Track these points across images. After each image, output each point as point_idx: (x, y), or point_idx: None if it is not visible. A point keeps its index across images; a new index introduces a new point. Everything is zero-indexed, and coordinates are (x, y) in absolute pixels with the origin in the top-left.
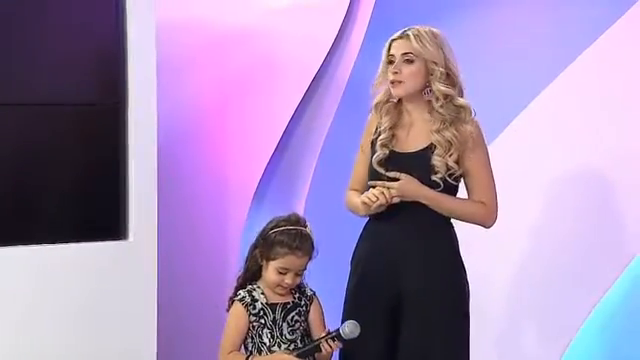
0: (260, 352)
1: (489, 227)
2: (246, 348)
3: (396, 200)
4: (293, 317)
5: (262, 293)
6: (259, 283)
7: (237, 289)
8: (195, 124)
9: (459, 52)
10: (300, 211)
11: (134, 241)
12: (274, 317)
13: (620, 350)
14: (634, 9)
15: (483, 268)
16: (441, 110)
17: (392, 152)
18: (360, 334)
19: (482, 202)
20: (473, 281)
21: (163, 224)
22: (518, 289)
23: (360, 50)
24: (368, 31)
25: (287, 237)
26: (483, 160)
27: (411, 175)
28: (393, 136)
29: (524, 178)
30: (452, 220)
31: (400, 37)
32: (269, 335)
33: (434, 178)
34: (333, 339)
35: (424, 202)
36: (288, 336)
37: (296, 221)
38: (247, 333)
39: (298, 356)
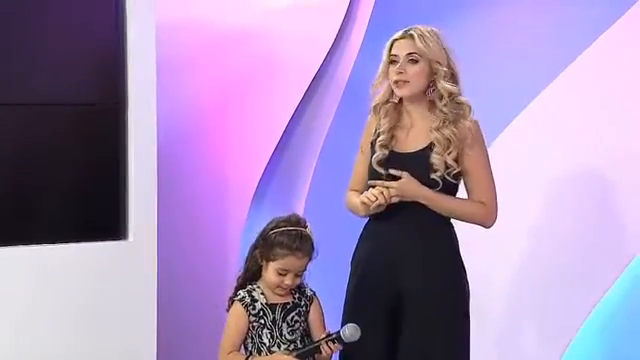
0: (260, 352)
1: (489, 227)
2: (246, 348)
3: (395, 200)
4: (293, 317)
5: (262, 293)
6: (259, 283)
7: (237, 289)
8: (195, 124)
9: (459, 52)
10: (300, 211)
11: (134, 241)
12: (274, 317)
13: (620, 350)
14: (634, 9)
15: (483, 268)
16: (444, 109)
17: (392, 152)
18: (360, 336)
19: (482, 202)
20: (473, 281)
21: (163, 224)
22: (518, 289)
23: (360, 50)
24: (368, 31)
25: (287, 238)
26: (482, 158)
27: (410, 175)
28: (392, 137)
29: (524, 178)
30: (452, 220)
31: (403, 37)
32: (269, 335)
33: (433, 176)
34: (333, 341)
35: (423, 202)
36: (288, 336)
37: (296, 222)
38: (247, 333)
39: (298, 357)
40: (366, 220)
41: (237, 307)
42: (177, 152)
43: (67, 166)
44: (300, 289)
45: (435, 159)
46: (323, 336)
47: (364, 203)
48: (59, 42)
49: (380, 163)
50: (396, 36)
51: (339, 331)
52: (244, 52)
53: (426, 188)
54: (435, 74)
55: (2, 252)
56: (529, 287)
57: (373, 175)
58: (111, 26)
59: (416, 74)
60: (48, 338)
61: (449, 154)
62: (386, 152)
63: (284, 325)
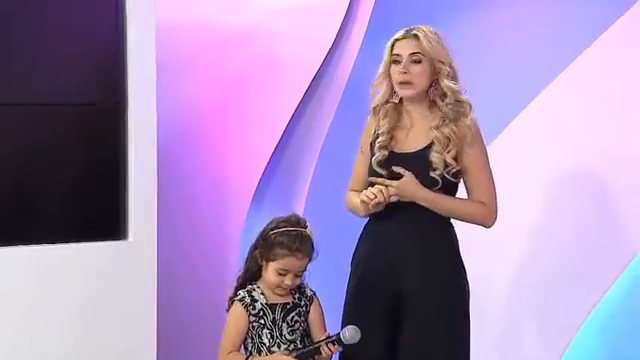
0: (260, 352)
1: (489, 227)
2: (246, 348)
3: (394, 199)
4: (293, 317)
5: (262, 293)
6: (259, 283)
7: (237, 289)
8: (195, 124)
9: (459, 52)
10: (300, 211)
11: (134, 241)
12: (274, 317)
13: (620, 350)
14: (634, 9)
15: (483, 268)
16: (446, 108)
17: (391, 152)
18: (360, 338)
19: (481, 202)
20: (473, 281)
21: (163, 224)
22: (518, 289)
23: (360, 50)
24: (368, 31)
25: (287, 238)
26: (481, 157)
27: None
28: (392, 138)
29: (524, 178)
30: (452, 220)
31: (405, 37)
32: (269, 335)
33: (432, 175)
34: (333, 343)
35: (422, 204)
36: (288, 336)
37: (296, 222)
38: (247, 333)
39: (297, 357)
40: (366, 220)
41: (237, 307)
42: (177, 152)
43: (67, 166)
44: (300, 289)
45: (434, 157)
46: (323, 337)
47: (363, 201)
48: (59, 42)
49: (380, 164)
50: (398, 36)
51: (339, 333)
52: (244, 52)
53: (426, 190)
54: (437, 73)
55: (2, 252)
56: (529, 287)
57: (373, 175)
58: (111, 26)
59: (419, 74)
60: (48, 338)
61: (448, 152)
62: (385, 153)
63: (284, 325)
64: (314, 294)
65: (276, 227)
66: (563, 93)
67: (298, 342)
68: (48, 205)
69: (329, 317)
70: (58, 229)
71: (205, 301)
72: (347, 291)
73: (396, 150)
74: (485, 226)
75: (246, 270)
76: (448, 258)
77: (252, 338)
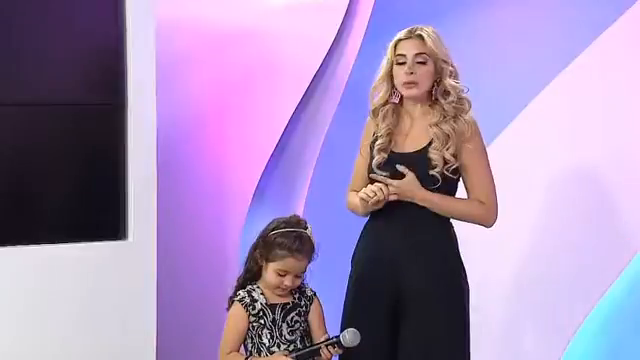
0: (260, 353)
1: (490, 226)
2: (246, 348)
3: (393, 197)
4: (293, 318)
5: (262, 293)
6: (259, 283)
7: (237, 289)
8: (195, 124)
9: (459, 52)
10: (300, 211)
11: (133, 241)
12: (274, 317)
13: (620, 350)
14: (634, 9)
15: (483, 268)
16: (448, 106)
17: (392, 153)
18: (360, 341)
19: (481, 201)
20: (473, 281)
21: (162, 224)
22: (518, 289)
23: (359, 50)
24: (367, 31)
25: (287, 239)
26: (481, 155)
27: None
28: (390, 141)
29: (524, 178)
30: (452, 220)
31: (409, 37)
32: (268, 335)
33: (432, 172)
34: (333, 345)
35: (421, 204)
36: (287, 337)
37: (296, 223)
38: (247, 333)
39: (297, 358)
40: (366, 220)
41: (237, 307)
42: (177, 152)
43: (67, 166)
44: (300, 289)
45: (433, 154)
46: (323, 339)
47: (362, 199)
48: (59, 42)
49: (379, 167)
50: (401, 36)
51: (339, 335)
52: (244, 52)
53: (425, 191)
54: (440, 73)
55: (2, 252)
56: (529, 287)
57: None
58: (111, 26)
59: (425, 75)
60: (48, 338)
61: (447, 149)
62: (385, 156)
63: (284, 325)
64: (314, 294)
65: (276, 228)
66: (563, 93)
67: (298, 342)
68: (48, 205)
69: (329, 317)
70: (58, 229)
71: (205, 301)
72: (347, 290)
73: (396, 150)
74: (486, 226)
75: (246, 270)
76: (448, 258)
77: (252, 338)
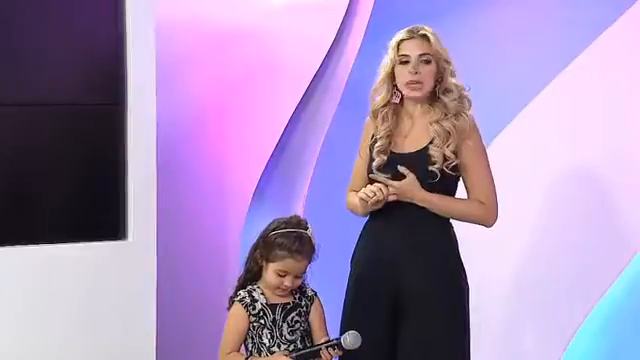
0: (260, 353)
1: (490, 226)
2: (246, 348)
3: (392, 198)
4: (293, 318)
5: (262, 294)
6: (259, 283)
7: (237, 289)
8: (195, 124)
9: (459, 52)
10: (299, 211)
11: (133, 241)
12: (274, 318)
13: (620, 350)
14: (634, 9)
15: (483, 268)
16: (451, 103)
17: (392, 153)
18: (361, 341)
19: (481, 201)
20: (473, 281)
21: (162, 224)
22: (518, 289)
23: (359, 50)
24: (367, 31)
25: (287, 240)
26: (480, 153)
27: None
28: (390, 143)
29: (524, 178)
30: (452, 220)
31: (412, 37)
32: (269, 335)
33: (431, 168)
34: (334, 347)
35: (420, 205)
36: (288, 337)
37: (297, 223)
38: (247, 333)
39: (297, 358)
40: (366, 220)
41: (237, 307)
42: (176, 152)
43: (67, 166)
44: (301, 289)
45: (434, 151)
46: (323, 341)
47: (362, 199)
48: (59, 42)
49: (379, 169)
50: (404, 36)
51: (340, 338)
52: (244, 52)
53: (425, 192)
54: (442, 72)
55: (2, 252)
56: (529, 287)
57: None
58: (111, 26)
59: (428, 74)
60: (48, 338)
61: (448, 146)
62: (384, 158)
63: (284, 325)
64: (315, 294)
65: (276, 228)
66: (563, 93)
67: (298, 342)
68: (48, 205)
69: (329, 317)
70: (58, 229)
71: (205, 301)
72: (346, 290)
73: (396, 151)
74: (486, 225)
75: (247, 270)
76: (448, 258)
77: (252, 338)
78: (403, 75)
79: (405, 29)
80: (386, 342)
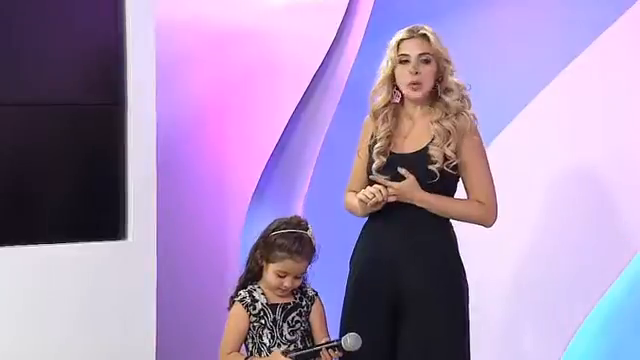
0: (260, 352)
1: (489, 226)
2: (247, 348)
3: (392, 199)
4: (294, 318)
5: (262, 294)
6: (260, 283)
7: (238, 289)
8: (195, 124)
9: (459, 52)
10: (299, 210)
11: (133, 241)
12: (274, 318)
13: (620, 350)
14: (634, 9)
15: (483, 268)
16: (453, 103)
17: (391, 154)
18: (361, 343)
19: (481, 202)
20: (473, 281)
21: (162, 224)
22: (518, 289)
23: (359, 50)
24: (367, 31)
25: (287, 240)
26: (480, 153)
27: (411, 173)
28: (390, 144)
29: (524, 178)
30: (452, 220)
31: (412, 37)
32: (269, 335)
33: (431, 167)
34: (334, 349)
35: (420, 205)
36: (288, 337)
37: (297, 224)
38: (247, 333)
39: (296, 358)
40: (365, 220)
41: (237, 307)
42: (176, 152)
43: (67, 166)
44: (302, 289)
45: (434, 151)
46: (323, 342)
47: (361, 200)
48: (59, 42)
49: (378, 171)
50: (404, 36)
51: (340, 339)
52: (244, 52)
53: (424, 192)
54: (443, 72)
55: (2, 252)
56: (529, 287)
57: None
58: (111, 26)
59: (428, 74)
60: (48, 338)
61: (448, 146)
62: (384, 159)
63: (285, 325)
64: (316, 294)
65: (277, 228)
66: (563, 93)
67: (299, 342)
68: (48, 205)
69: (329, 317)
70: (58, 229)
71: (205, 301)
72: (346, 290)
73: (396, 152)
74: (485, 226)
75: (247, 270)
76: (447, 258)
77: (253, 338)
78: (403, 75)
79: (405, 29)
80: (386, 342)
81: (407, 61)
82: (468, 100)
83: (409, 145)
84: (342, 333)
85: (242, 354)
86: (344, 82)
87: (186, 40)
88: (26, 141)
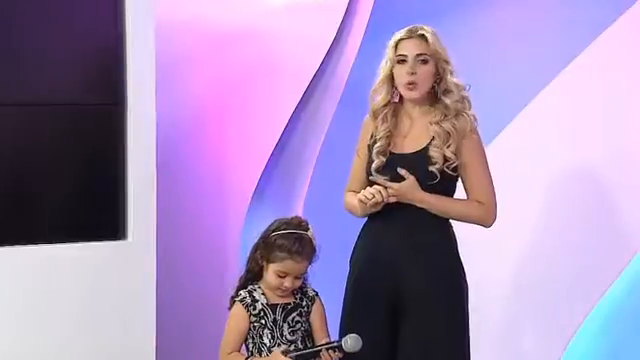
0: (260, 353)
1: (489, 226)
2: (247, 348)
3: (392, 199)
4: (294, 318)
5: (263, 294)
6: (260, 283)
7: (239, 289)
8: (194, 124)
9: (459, 52)
10: (299, 210)
11: (133, 241)
12: (274, 318)
13: (620, 350)
14: (634, 9)
15: (483, 268)
16: (453, 104)
17: (391, 154)
18: (362, 344)
19: (480, 202)
20: (473, 281)
21: (162, 224)
22: (518, 289)
23: (359, 49)
24: (367, 30)
25: (287, 241)
26: (480, 154)
27: (411, 173)
28: (389, 143)
29: (524, 178)
30: (451, 220)
31: (410, 37)
32: (269, 336)
33: (431, 169)
34: (334, 349)
35: (420, 205)
36: (288, 337)
37: (298, 224)
38: (248, 333)
39: (296, 358)
40: (365, 220)
41: (238, 307)
42: (176, 152)
43: (67, 166)
44: (302, 290)
45: (434, 152)
46: (324, 342)
47: (361, 201)
48: (59, 42)
49: (378, 171)
50: (402, 36)
51: (340, 340)
52: (244, 52)
53: (425, 193)
54: (442, 72)
55: (2, 252)
56: (529, 287)
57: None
58: (111, 26)
59: (426, 75)
60: (48, 338)
61: (448, 147)
62: (383, 159)
63: (285, 325)
64: (316, 294)
65: (277, 229)
66: (563, 93)
67: (299, 342)
68: (47, 205)
69: (329, 317)
70: (58, 229)
71: (204, 301)
72: (346, 290)
73: (395, 152)
74: (484, 226)
75: (247, 270)
76: (447, 258)
77: (253, 338)
78: (401, 75)
79: (405, 29)
80: (386, 342)
81: (404, 61)
82: (468, 101)
83: (409, 145)
84: (342, 332)
85: (242, 354)
86: (344, 82)
87: (186, 40)
88: (26, 141)
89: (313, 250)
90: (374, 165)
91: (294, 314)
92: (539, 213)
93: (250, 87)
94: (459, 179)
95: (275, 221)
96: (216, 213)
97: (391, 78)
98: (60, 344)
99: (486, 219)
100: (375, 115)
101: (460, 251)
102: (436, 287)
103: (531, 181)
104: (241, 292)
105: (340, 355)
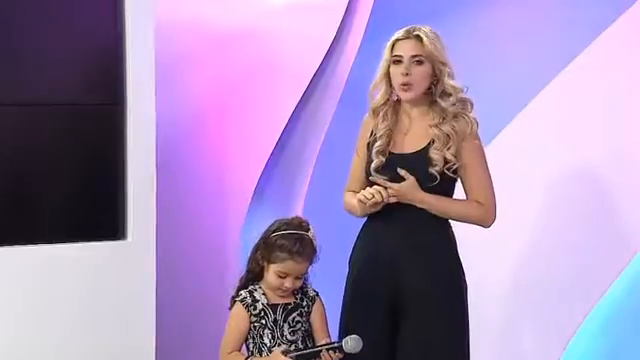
0: (261, 353)
1: (488, 227)
2: (247, 348)
3: (392, 200)
4: (294, 318)
5: (263, 294)
6: (261, 283)
7: (239, 289)
8: (194, 124)
9: (459, 52)
10: (299, 210)
11: (133, 241)
12: (275, 318)
13: (620, 350)
14: (634, 9)
15: (483, 268)
16: (451, 107)
17: (391, 154)
18: (362, 345)
19: (480, 202)
20: (472, 281)
21: (162, 224)
22: (517, 289)
23: (359, 49)
24: (367, 30)
25: (287, 241)
26: (480, 155)
27: (410, 174)
28: (389, 142)
29: (524, 178)
30: (451, 220)
31: (407, 37)
32: (270, 336)
33: (431, 170)
34: (334, 350)
35: (420, 206)
36: (289, 337)
37: (298, 225)
38: (248, 333)
39: (296, 358)
40: (365, 220)
41: (238, 307)
42: (176, 152)
43: (66, 166)
44: (303, 290)
45: (434, 154)
46: (324, 342)
47: (360, 201)
48: (58, 42)
49: (377, 170)
50: (399, 36)
51: (341, 341)
52: (243, 52)
53: (425, 193)
54: (438, 74)
55: (1, 252)
56: (528, 287)
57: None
58: (110, 26)
59: (421, 75)
60: (47, 338)
61: (448, 149)
62: (383, 159)
63: (285, 325)
64: (317, 294)
65: (277, 229)
66: (563, 93)
67: (299, 342)
68: (47, 205)
69: (329, 317)
70: (57, 229)
71: (204, 301)
72: (345, 290)
73: (395, 151)
74: (484, 226)
75: (248, 271)
76: (446, 258)
77: (253, 338)
78: (396, 75)
79: (403, 29)
80: (385, 342)
81: (400, 62)
82: (471, 103)
83: (408, 144)
84: (341, 332)
85: (243, 354)
86: (344, 81)
87: (186, 40)
88: (26, 141)
89: (314, 251)
90: (373, 165)
91: (294, 314)
92: (538, 213)
93: (250, 87)
94: (458, 180)
95: (276, 221)
96: (216, 213)
97: (388, 77)
98: (60, 344)
99: (485, 219)
100: (375, 113)
101: (459, 251)
102: (436, 287)
103: (531, 181)
104: (242, 292)
105: (340, 356)
